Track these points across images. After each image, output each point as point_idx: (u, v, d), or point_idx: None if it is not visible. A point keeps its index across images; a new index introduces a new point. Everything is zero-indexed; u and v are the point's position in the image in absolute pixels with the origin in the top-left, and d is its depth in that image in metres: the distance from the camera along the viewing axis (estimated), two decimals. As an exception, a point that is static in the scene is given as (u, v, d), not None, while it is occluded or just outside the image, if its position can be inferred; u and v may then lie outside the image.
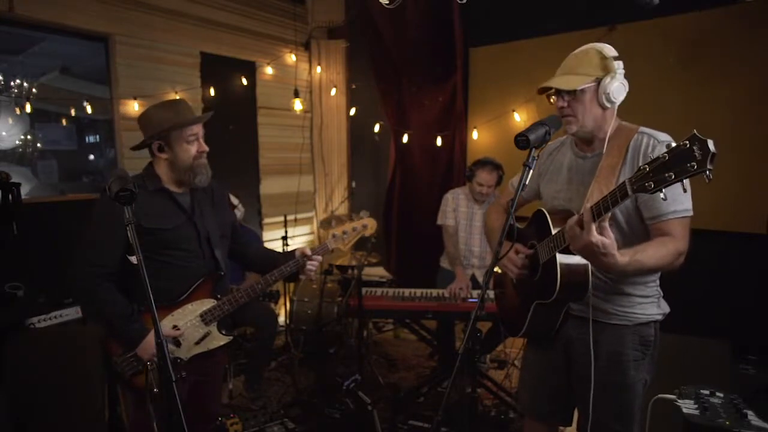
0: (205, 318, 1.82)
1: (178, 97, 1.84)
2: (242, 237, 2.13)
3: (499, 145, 3.99)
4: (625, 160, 1.54)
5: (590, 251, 1.32)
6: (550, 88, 1.61)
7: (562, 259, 1.52)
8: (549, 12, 3.58)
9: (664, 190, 1.14)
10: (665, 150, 1.14)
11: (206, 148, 1.82)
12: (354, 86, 4.91)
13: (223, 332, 1.86)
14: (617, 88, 1.54)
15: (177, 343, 1.76)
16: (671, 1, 2.80)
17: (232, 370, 3.39)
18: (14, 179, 2.55)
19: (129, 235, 1.33)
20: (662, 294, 1.68)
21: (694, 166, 1.07)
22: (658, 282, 1.66)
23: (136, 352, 1.69)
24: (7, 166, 3.25)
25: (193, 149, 1.78)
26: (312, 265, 1.99)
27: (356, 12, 4.59)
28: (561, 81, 1.59)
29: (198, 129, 1.80)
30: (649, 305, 1.63)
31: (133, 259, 1.31)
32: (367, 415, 2.55)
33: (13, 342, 2.41)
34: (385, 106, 4.55)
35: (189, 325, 1.79)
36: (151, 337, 1.66)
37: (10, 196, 2.50)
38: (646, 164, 1.17)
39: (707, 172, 1.06)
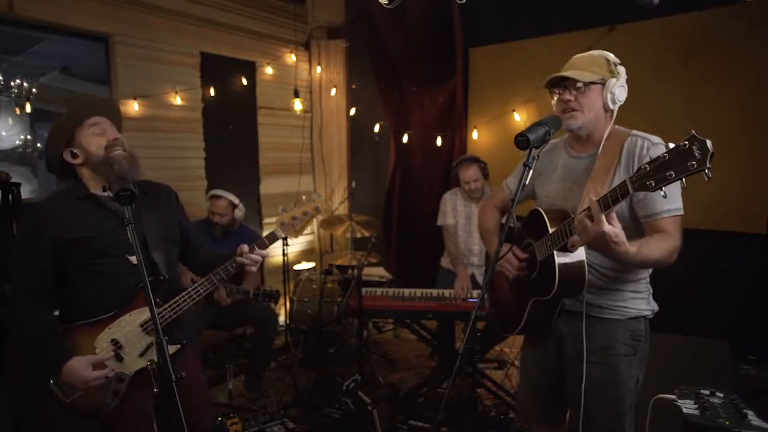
0: (147, 327, 1.67)
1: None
2: (194, 239, 1.98)
3: (499, 145, 3.99)
4: (620, 162, 1.59)
5: (602, 241, 1.33)
6: (559, 81, 1.64)
7: (559, 257, 1.56)
8: (549, 12, 3.58)
9: (664, 188, 1.18)
10: (664, 150, 1.17)
11: (117, 136, 1.67)
12: (354, 86, 4.90)
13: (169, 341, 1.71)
14: (621, 90, 1.62)
15: (119, 357, 1.63)
16: (671, 1, 2.80)
17: (232, 370, 3.39)
18: (14, 179, 2.55)
19: (129, 235, 1.32)
20: (652, 291, 1.72)
21: (694, 165, 1.12)
22: (648, 279, 1.70)
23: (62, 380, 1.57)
24: (7, 166, 3.25)
25: (101, 140, 1.63)
26: (254, 259, 1.74)
27: (356, 12, 4.59)
28: (573, 73, 1.62)
29: (100, 119, 1.66)
30: (640, 300, 1.68)
31: (133, 259, 1.31)
32: (367, 415, 2.54)
33: (13, 342, 2.41)
34: (385, 106, 4.55)
35: (129, 336, 1.65)
36: (73, 363, 1.56)
37: (10, 196, 2.50)
38: (647, 164, 1.21)
39: (706, 170, 1.11)
